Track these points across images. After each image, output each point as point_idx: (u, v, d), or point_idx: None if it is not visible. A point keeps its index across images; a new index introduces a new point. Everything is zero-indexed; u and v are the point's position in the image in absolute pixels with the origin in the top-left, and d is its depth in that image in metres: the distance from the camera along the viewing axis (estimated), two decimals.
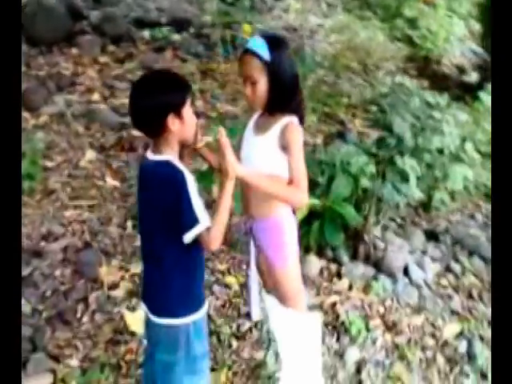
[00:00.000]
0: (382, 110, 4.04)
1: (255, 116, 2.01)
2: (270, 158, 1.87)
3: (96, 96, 4.94)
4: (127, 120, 4.71)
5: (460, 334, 2.80)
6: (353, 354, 2.56)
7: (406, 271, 3.25)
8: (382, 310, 2.92)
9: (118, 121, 4.65)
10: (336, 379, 2.44)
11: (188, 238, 1.62)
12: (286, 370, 2.19)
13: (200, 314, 1.78)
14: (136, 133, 4.53)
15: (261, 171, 1.84)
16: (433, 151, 3.66)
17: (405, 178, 3.31)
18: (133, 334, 2.61)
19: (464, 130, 3.86)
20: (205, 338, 1.84)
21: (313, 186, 2.91)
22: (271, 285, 2.08)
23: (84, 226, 3.30)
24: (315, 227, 3.13)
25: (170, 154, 1.67)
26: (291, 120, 1.85)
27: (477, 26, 7.06)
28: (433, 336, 2.78)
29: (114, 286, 2.90)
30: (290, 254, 1.99)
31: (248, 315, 2.76)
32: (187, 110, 1.66)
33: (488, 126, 4.56)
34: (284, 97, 1.84)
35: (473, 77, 6.69)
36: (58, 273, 2.91)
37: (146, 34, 6.27)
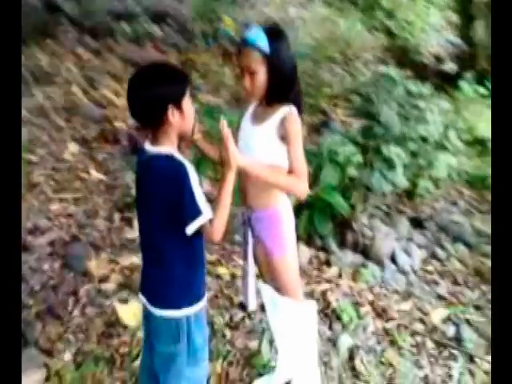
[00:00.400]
0: (366, 99, 4.07)
1: (252, 106, 2.00)
2: (269, 148, 1.87)
3: (76, 89, 4.86)
4: (108, 112, 4.67)
5: (448, 319, 2.86)
6: (345, 341, 2.59)
7: (392, 258, 3.30)
8: (371, 296, 2.97)
9: (100, 113, 4.59)
10: (329, 366, 2.47)
11: (191, 229, 1.61)
12: (284, 358, 2.21)
13: (201, 305, 1.78)
14: (118, 124, 4.49)
15: (260, 161, 1.84)
16: (417, 139, 3.71)
17: (391, 166, 3.36)
18: (125, 326, 2.60)
19: (447, 118, 3.91)
20: (205, 328, 1.85)
21: None
22: (269, 275, 2.09)
23: (70, 219, 3.26)
24: (304, 216, 3.15)
25: (169, 146, 1.66)
26: (290, 110, 1.85)
27: (454, 17, 7.14)
28: (421, 321, 2.83)
29: (104, 279, 2.87)
30: (289, 243, 2.00)
31: (241, 305, 2.77)
32: (186, 102, 1.65)
33: (468, 115, 4.65)
34: (283, 87, 1.84)
35: (449, 66, 6.79)
36: (46, 267, 2.87)
37: (125, 26, 6.18)
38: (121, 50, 5.68)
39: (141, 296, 1.85)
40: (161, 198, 1.63)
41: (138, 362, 2.41)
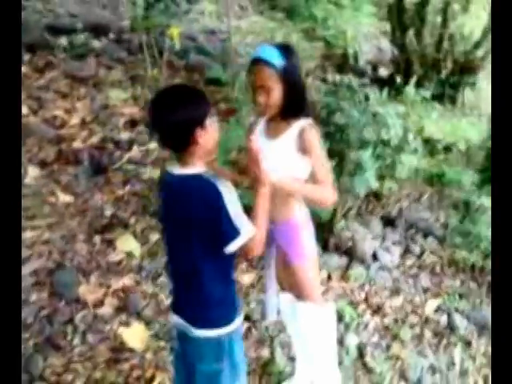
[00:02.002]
0: (323, 106, 4.22)
1: (262, 121, 2.03)
2: (288, 161, 1.91)
3: (24, 109, 4.63)
4: (63, 132, 4.49)
5: (438, 309, 3.02)
6: (352, 340, 2.67)
7: (374, 256, 3.44)
8: (363, 295, 3.08)
9: (54, 133, 4.40)
10: (343, 366, 2.53)
11: (230, 249, 1.60)
12: (303, 363, 2.25)
13: (239, 321, 1.79)
14: (76, 144, 4.33)
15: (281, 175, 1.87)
16: (380, 143, 3.90)
17: (364, 169, 3.50)
18: (132, 350, 2.53)
19: (403, 121, 4.13)
20: (242, 342, 1.86)
21: None
22: (289, 283, 2.13)
23: (48, 246, 3.11)
24: None
25: (199, 167, 1.66)
26: (308, 122, 1.91)
27: (383, 26, 7.53)
28: (415, 313, 2.97)
29: (98, 303, 2.77)
30: (310, 251, 2.07)
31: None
32: (210, 121, 1.65)
33: (415, 117, 4.92)
34: (298, 102, 1.90)
35: (383, 72, 7.15)
36: (34, 297, 2.72)
37: (63, 40, 5.95)
38: (64, 67, 5.47)
39: (176, 317, 1.81)
40: (196, 220, 1.60)
41: None
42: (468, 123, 5.33)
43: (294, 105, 1.89)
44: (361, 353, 2.63)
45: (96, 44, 6.06)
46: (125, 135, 4.50)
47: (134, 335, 2.60)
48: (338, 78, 5.41)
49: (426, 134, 4.92)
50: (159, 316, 2.74)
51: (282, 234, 2.04)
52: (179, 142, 1.62)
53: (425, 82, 6.13)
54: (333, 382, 2.28)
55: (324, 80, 6.47)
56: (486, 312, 2.99)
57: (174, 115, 1.58)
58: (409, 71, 6.35)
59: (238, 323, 1.77)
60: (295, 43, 7.24)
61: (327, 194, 1.89)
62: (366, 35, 7.73)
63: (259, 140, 2.01)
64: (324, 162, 1.92)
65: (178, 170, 1.67)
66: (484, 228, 3.66)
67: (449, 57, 6.17)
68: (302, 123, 1.91)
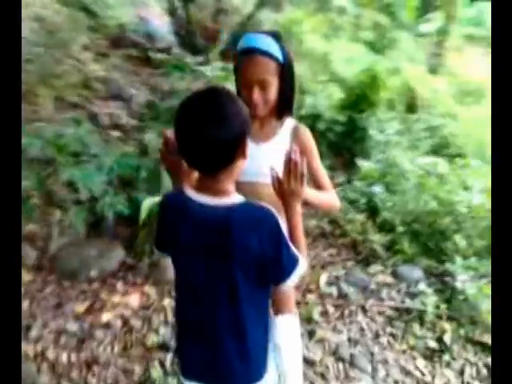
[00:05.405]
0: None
1: None
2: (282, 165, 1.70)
3: None
4: None
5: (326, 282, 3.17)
6: None
7: None
8: None
9: None
10: None
11: (293, 280, 1.39)
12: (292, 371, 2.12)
13: None
14: None
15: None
16: None
17: None
18: None
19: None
20: None
21: None
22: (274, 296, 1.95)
23: None
24: None
25: (234, 192, 1.36)
26: (296, 122, 1.75)
27: None
28: (309, 291, 3.06)
29: None
30: None
31: None
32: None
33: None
34: (292, 98, 1.72)
35: (160, 44, 6.90)
36: None
37: None
38: None
39: None
40: (249, 258, 1.32)
41: None
42: None
43: (289, 101, 1.71)
44: None
45: None
46: None
47: None
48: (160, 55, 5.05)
49: None
50: None
51: None
52: (227, 157, 1.29)
53: (206, 54, 6.16)
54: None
55: (105, 55, 5.90)
56: (360, 274, 3.27)
57: (229, 126, 1.25)
58: (189, 43, 6.30)
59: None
60: (64, 14, 6.42)
61: (336, 200, 1.80)
62: (131, 3, 7.29)
63: None
64: (320, 163, 1.79)
65: (209, 199, 1.33)
66: None
67: (226, 29, 6.30)
68: (293, 122, 1.76)
